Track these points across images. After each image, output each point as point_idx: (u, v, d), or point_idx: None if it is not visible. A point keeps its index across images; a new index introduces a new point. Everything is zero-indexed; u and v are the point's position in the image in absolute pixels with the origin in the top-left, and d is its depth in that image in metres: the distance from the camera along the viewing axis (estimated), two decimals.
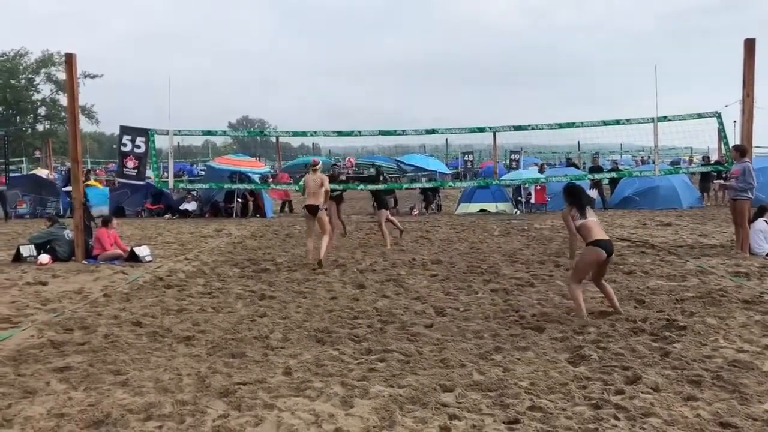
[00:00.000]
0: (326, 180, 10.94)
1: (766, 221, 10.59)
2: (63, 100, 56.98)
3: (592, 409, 4.32)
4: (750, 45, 11.03)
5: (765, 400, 4.40)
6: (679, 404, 4.37)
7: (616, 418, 4.15)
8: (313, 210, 10.70)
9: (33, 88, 64.32)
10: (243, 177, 21.30)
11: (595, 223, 6.75)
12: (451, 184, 22.28)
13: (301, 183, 11.74)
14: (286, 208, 22.72)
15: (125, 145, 12.89)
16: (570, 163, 29.41)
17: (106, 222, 11.78)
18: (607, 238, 6.76)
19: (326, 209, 11.07)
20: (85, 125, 61.36)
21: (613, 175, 19.31)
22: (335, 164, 14.41)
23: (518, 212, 20.10)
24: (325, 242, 10.56)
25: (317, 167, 11.05)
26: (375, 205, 13.43)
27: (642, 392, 4.56)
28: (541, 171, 28.30)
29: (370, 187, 13.66)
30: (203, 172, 35.27)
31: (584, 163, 30.39)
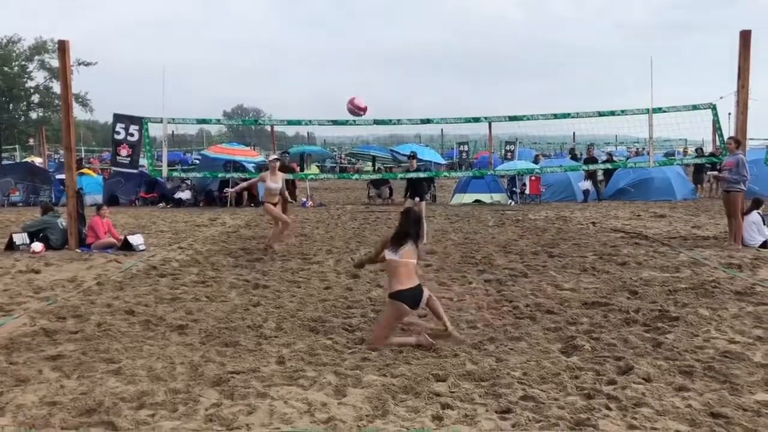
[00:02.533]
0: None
1: (760, 213, 10.63)
2: (57, 87, 56.52)
3: (584, 399, 4.34)
4: (745, 37, 11.01)
5: (756, 391, 4.43)
6: (670, 394, 4.39)
7: (608, 408, 4.16)
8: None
9: (26, 76, 63.63)
10: (237, 166, 21.23)
11: (402, 265, 5.58)
12: (445, 174, 22.24)
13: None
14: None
15: (119, 133, 12.78)
16: (572, 155, 29.45)
17: (98, 209, 11.76)
18: (412, 285, 5.57)
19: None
20: (78, 113, 60.76)
21: (608, 166, 19.32)
22: (284, 152, 13.78)
23: (513, 203, 20.13)
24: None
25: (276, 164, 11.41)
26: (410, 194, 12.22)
27: (634, 382, 4.58)
28: (536, 162, 28.32)
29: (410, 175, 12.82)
30: (197, 161, 35.15)
31: (580, 154, 30.38)
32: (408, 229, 5.75)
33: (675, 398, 4.32)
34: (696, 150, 28.07)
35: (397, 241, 5.70)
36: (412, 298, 5.59)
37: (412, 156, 13.46)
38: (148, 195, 21.55)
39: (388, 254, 5.70)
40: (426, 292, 5.72)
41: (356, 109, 11.85)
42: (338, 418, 4.07)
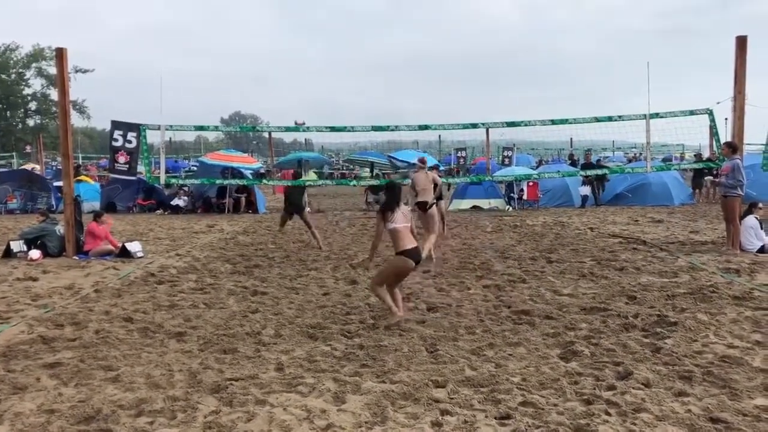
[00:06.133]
0: (437, 177, 10.91)
1: (756, 218, 10.64)
2: (54, 94, 56.63)
3: (583, 405, 4.33)
4: (741, 42, 11.06)
5: (755, 396, 4.42)
6: (669, 399, 4.39)
7: (608, 414, 4.16)
8: (423, 206, 10.59)
9: (24, 83, 63.96)
10: (235, 173, 21.24)
11: (402, 229, 6.46)
12: (444, 180, 22.25)
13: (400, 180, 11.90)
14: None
15: (116, 140, 12.81)
16: (572, 161, 29.52)
17: (97, 216, 11.75)
18: (414, 246, 6.50)
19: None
20: (76, 120, 61.13)
21: (606, 171, 19.33)
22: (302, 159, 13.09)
23: (511, 208, 20.14)
24: (431, 240, 10.46)
25: (425, 165, 11.04)
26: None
27: (633, 388, 4.58)
28: (538, 167, 28.38)
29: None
30: (195, 167, 35.13)
31: (577, 159, 30.47)
32: (391, 200, 6.55)
33: (674, 403, 4.32)
34: (695, 155, 28.13)
35: (389, 212, 6.48)
36: (416, 255, 6.51)
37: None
38: (146, 202, 21.54)
39: (388, 226, 6.46)
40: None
41: None
42: (337, 424, 4.06)
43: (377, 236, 6.68)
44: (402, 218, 6.48)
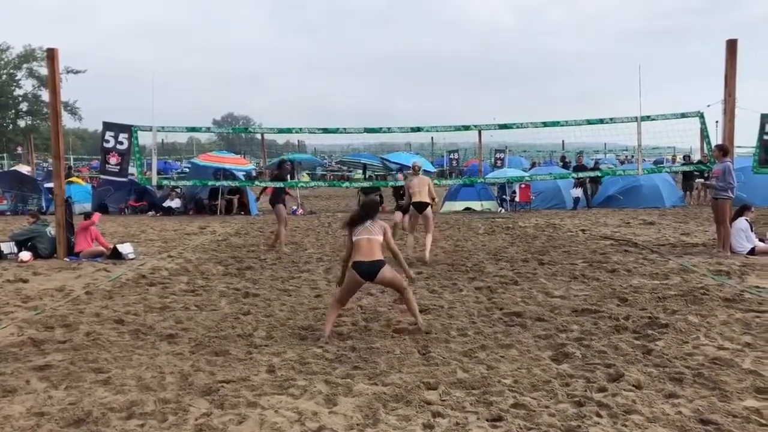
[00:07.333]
0: (431, 182, 11.20)
1: (747, 220, 10.71)
2: (45, 95, 56.31)
3: (574, 407, 4.34)
4: (732, 45, 11.12)
5: (745, 397, 4.44)
6: (660, 401, 4.40)
7: (599, 416, 4.17)
8: (420, 207, 10.81)
9: (14, 84, 63.55)
10: (227, 174, 21.18)
11: (363, 241, 6.12)
12: (436, 182, 22.26)
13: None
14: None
15: (108, 141, 12.73)
16: (564, 163, 29.63)
17: (87, 217, 11.74)
18: (369, 259, 6.07)
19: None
20: (67, 121, 60.81)
21: (598, 173, 19.41)
22: (284, 161, 13.16)
23: (503, 210, 20.18)
24: (429, 240, 10.72)
25: (418, 171, 11.34)
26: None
27: (624, 390, 4.59)
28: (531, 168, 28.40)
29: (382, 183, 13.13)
30: (187, 169, 34.98)
31: (569, 162, 30.57)
32: (362, 212, 6.37)
33: (665, 405, 4.33)
34: (684, 157, 28.28)
35: (353, 224, 6.27)
36: (366, 269, 6.08)
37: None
38: (138, 203, 21.46)
39: (353, 238, 6.22)
40: (389, 273, 6.20)
41: None
42: (329, 427, 4.05)
43: (346, 251, 6.40)
44: (365, 231, 6.17)
